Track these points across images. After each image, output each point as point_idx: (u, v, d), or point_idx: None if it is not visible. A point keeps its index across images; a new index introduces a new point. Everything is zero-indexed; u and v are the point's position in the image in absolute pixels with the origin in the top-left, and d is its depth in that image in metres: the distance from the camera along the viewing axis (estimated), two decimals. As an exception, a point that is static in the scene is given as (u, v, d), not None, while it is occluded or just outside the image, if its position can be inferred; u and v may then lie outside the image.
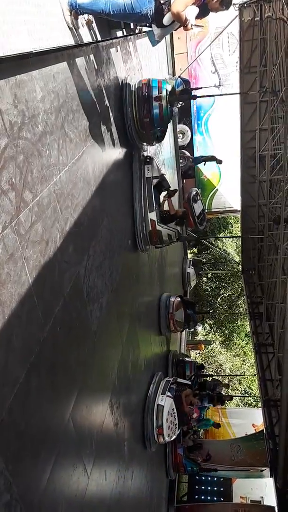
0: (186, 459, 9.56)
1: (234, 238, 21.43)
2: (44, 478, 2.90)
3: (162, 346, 9.52)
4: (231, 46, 15.38)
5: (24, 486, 2.60)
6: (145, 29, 6.94)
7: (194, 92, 13.59)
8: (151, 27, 3.85)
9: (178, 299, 9.55)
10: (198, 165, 17.25)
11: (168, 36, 12.37)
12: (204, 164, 12.92)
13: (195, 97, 6.69)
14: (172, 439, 7.06)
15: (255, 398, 19.66)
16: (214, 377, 12.74)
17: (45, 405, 2.97)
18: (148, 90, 5.79)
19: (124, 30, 5.66)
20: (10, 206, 2.60)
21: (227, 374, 19.17)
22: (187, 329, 11.22)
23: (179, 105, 12.91)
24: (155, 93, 5.79)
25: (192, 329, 17.56)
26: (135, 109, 5.84)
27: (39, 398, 2.88)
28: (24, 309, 2.72)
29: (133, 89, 5.80)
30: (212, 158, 12.36)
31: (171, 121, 6.98)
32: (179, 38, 14.99)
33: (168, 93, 5.86)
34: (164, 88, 5.84)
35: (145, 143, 6.66)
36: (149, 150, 7.60)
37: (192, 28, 3.59)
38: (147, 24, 3.85)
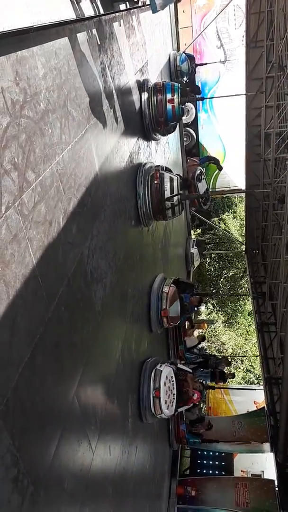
0: (189, 434, 9.83)
1: (238, 218, 21.33)
2: (50, 453, 2.98)
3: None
4: (237, 19, 14.91)
5: (30, 461, 2.67)
6: (148, 1, 6.74)
7: (198, 68, 13.40)
8: None
9: (173, 288, 7.67)
10: (202, 143, 17.09)
11: (172, 10, 12.01)
12: (208, 165, 13.04)
13: (203, 98, 7.08)
14: (169, 410, 6.61)
15: (255, 375, 19.95)
16: (216, 355, 12.89)
17: (50, 383, 3.02)
18: (163, 93, 6.90)
19: (127, 3, 5.49)
20: (13, 186, 2.58)
21: (230, 355, 19.37)
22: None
23: (185, 81, 12.72)
24: (168, 96, 6.89)
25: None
26: (152, 110, 6.90)
27: (44, 377, 2.92)
28: (28, 290, 2.74)
29: (150, 89, 6.86)
30: (216, 162, 12.58)
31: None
32: (184, 11, 14.55)
33: (179, 95, 6.98)
34: (176, 91, 6.96)
35: (158, 134, 7.60)
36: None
37: None
38: None
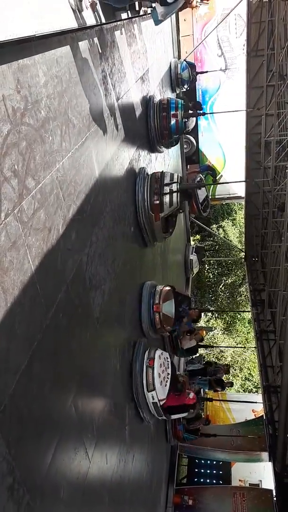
0: (186, 433, 9.79)
1: (237, 225, 21.35)
2: (46, 461, 2.96)
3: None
4: (238, 28, 15.05)
5: (26, 469, 2.65)
6: (149, 10, 6.80)
7: (199, 76, 13.53)
8: (154, 5, 3.78)
9: (168, 288, 7.21)
10: (203, 151, 17.18)
11: (173, 18, 12.12)
12: (205, 176, 13.28)
13: (204, 113, 7.39)
14: (162, 387, 6.03)
15: (254, 383, 19.87)
16: (216, 362, 12.83)
17: (47, 391, 3.01)
18: (167, 109, 7.71)
19: (129, 12, 5.54)
20: (13, 193, 2.59)
21: (228, 363, 19.27)
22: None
23: (185, 89, 12.83)
24: (172, 111, 7.74)
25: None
26: (158, 124, 7.61)
27: (41, 384, 2.91)
28: (26, 297, 2.73)
29: (155, 105, 7.59)
30: (213, 174, 12.99)
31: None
32: (185, 20, 14.67)
33: (182, 110, 7.85)
34: (179, 107, 7.82)
35: (162, 147, 8.21)
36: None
37: (197, 6, 3.53)
38: (151, 2, 3.78)
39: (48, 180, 3.08)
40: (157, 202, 6.46)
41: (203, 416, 10.25)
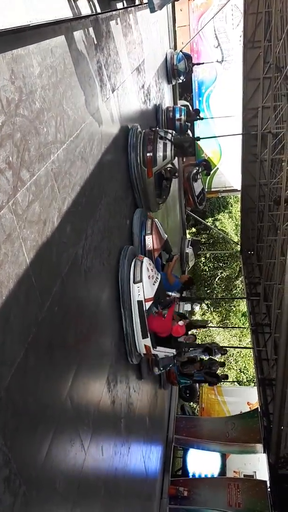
0: (180, 375, 9.91)
1: (233, 219, 21.34)
2: (42, 453, 2.96)
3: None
4: (235, 19, 14.91)
5: (22, 461, 2.66)
6: (145, 0, 6.73)
7: (195, 67, 13.51)
8: None
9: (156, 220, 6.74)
10: (198, 143, 17.12)
11: (170, 8, 11.99)
12: (200, 170, 13.38)
13: (202, 118, 7.56)
14: (150, 283, 5.55)
15: (249, 377, 19.98)
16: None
17: (43, 383, 3.00)
18: (173, 114, 10.01)
19: (124, 1, 5.47)
20: (7, 186, 2.56)
21: (229, 346, 19.25)
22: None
23: (181, 80, 12.78)
24: (177, 115, 10.07)
25: (190, 309, 17.56)
26: (165, 126, 9.35)
27: (37, 377, 2.91)
28: (22, 290, 2.72)
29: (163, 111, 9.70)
30: (207, 166, 13.32)
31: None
32: (181, 10, 14.54)
33: (185, 115, 10.17)
34: (183, 112, 10.18)
35: None
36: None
37: None
38: None
39: (43, 172, 3.06)
40: (150, 154, 6.23)
41: (197, 360, 10.35)
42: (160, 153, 6.29)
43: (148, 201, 6.77)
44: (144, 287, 5.39)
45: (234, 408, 12.98)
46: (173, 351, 6.17)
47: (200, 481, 10.22)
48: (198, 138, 7.77)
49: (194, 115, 11.92)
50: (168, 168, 6.88)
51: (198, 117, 12.05)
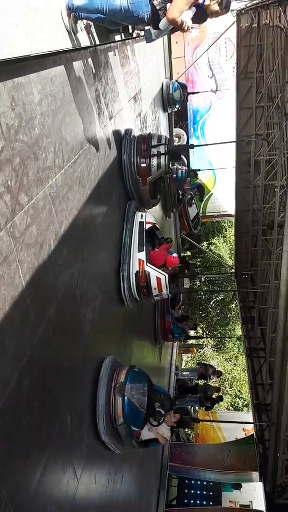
0: (174, 325, 9.98)
1: (228, 243, 21.50)
2: (34, 481, 2.90)
3: (154, 355, 9.51)
4: (228, 52, 15.47)
5: (13, 488, 2.60)
6: (142, 33, 6.98)
7: (190, 96, 13.83)
8: (148, 28, 3.88)
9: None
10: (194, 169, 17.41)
11: (166, 40, 12.41)
12: (194, 195, 13.74)
13: (192, 146, 7.45)
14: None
15: (244, 401, 19.71)
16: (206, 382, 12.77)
17: (37, 407, 2.97)
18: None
19: (122, 34, 5.68)
20: (6, 209, 2.60)
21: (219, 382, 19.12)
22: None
23: (177, 109, 13.10)
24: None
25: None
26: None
27: (31, 400, 2.87)
28: (17, 312, 2.72)
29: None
30: (201, 193, 13.49)
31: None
32: (177, 43, 15.05)
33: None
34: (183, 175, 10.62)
35: None
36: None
37: (189, 30, 3.63)
38: (144, 26, 3.87)
39: (41, 196, 3.11)
40: (144, 165, 6.14)
41: (191, 319, 10.41)
42: (154, 163, 6.21)
43: (143, 202, 6.81)
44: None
45: (230, 434, 12.73)
46: (165, 274, 6.18)
47: (195, 511, 9.92)
48: (192, 146, 7.74)
49: (192, 175, 12.70)
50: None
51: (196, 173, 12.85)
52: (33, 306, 2.94)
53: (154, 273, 6.05)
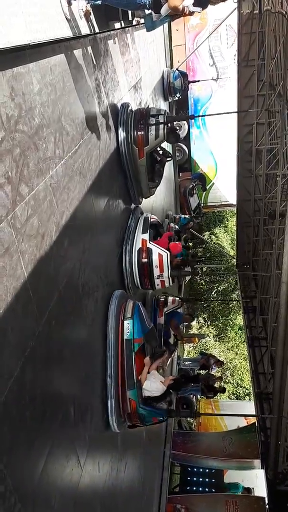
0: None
1: (229, 233, 21.47)
2: (38, 469, 2.93)
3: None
4: (229, 39, 15.26)
5: (18, 477, 2.63)
6: (142, 21, 6.89)
7: (191, 85, 13.67)
8: (148, 12, 3.86)
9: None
10: (195, 159, 17.37)
11: (166, 28, 12.26)
12: (196, 183, 13.65)
13: (193, 116, 7.36)
14: None
15: (245, 390, 19.84)
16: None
17: (40, 398, 2.99)
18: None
19: (122, 21, 5.61)
20: (6, 200, 2.60)
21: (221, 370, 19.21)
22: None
23: (177, 97, 12.99)
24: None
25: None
26: None
27: (33, 392, 2.89)
28: (19, 303, 2.73)
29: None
30: (203, 183, 13.82)
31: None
32: (177, 30, 14.86)
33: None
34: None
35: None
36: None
37: (190, 14, 3.62)
38: (146, 9, 3.85)
39: (42, 186, 3.10)
40: (141, 133, 5.89)
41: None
42: (152, 132, 5.94)
43: (140, 186, 6.54)
44: None
45: (231, 422, 12.85)
46: (167, 252, 6.24)
47: (197, 498, 10.05)
48: (193, 116, 7.50)
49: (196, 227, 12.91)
50: (161, 152, 6.67)
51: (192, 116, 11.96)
52: (35, 297, 2.94)
53: (156, 249, 6.12)
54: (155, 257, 6.10)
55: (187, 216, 12.42)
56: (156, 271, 6.14)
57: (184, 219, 11.32)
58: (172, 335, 8.60)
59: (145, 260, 6.01)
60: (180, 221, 11.24)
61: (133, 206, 6.76)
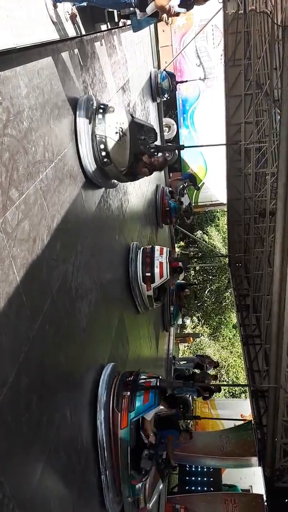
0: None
1: (221, 232, 21.55)
2: (35, 476, 2.91)
3: (151, 342, 9.56)
4: (215, 39, 15.35)
5: (16, 484, 2.61)
6: (129, 22, 6.90)
7: (178, 85, 13.70)
8: (133, 10, 3.87)
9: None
10: (184, 159, 17.42)
11: (152, 29, 12.28)
12: (186, 184, 13.76)
13: (183, 147, 7.66)
14: None
15: (241, 388, 19.93)
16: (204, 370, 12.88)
17: (35, 404, 2.97)
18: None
19: (108, 23, 5.61)
20: (-4, 205, 2.58)
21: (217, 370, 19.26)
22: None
23: (166, 98, 13.02)
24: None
25: (180, 323, 17.63)
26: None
27: (29, 397, 2.87)
28: (12, 308, 2.71)
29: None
30: (194, 182, 14.20)
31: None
32: (163, 31, 14.90)
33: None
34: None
35: None
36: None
37: (176, 14, 3.64)
38: (131, 7, 3.86)
39: (32, 190, 3.08)
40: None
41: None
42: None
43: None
44: None
45: (228, 421, 12.90)
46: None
47: (196, 497, 10.07)
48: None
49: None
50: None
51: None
52: (28, 301, 2.92)
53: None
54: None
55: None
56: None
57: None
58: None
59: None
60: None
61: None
